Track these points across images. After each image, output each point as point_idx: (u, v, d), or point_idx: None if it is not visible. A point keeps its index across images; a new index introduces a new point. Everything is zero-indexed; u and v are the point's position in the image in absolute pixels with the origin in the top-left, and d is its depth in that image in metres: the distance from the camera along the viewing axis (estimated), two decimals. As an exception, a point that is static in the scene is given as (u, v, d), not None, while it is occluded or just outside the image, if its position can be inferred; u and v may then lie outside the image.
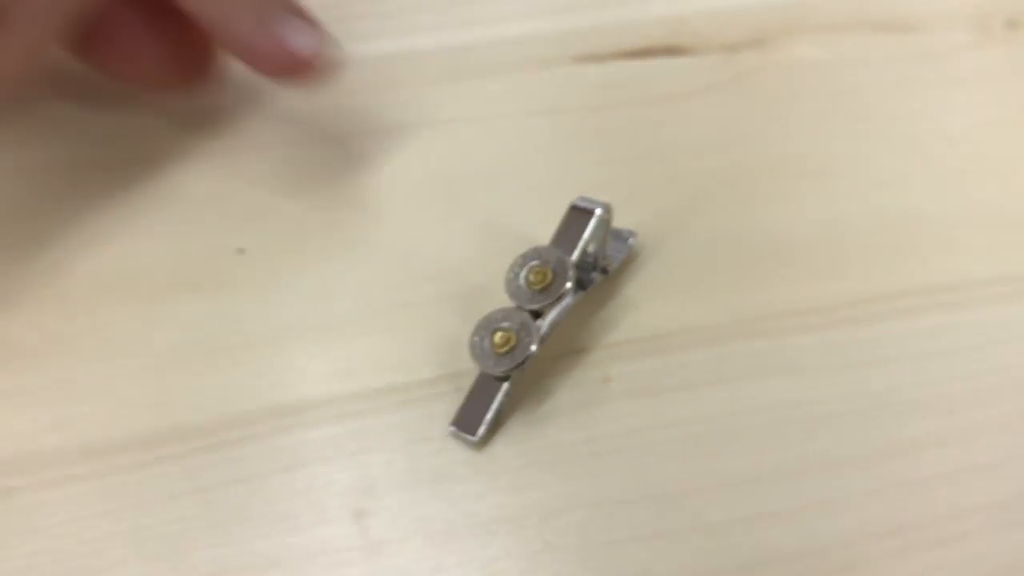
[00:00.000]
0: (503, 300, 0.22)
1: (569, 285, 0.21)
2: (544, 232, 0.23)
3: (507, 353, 0.21)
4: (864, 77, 0.29)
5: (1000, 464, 0.22)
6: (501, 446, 0.22)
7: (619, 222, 0.24)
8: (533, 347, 0.21)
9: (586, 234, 0.22)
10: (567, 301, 0.22)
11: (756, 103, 0.28)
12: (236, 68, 0.26)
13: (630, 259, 0.24)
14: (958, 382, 0.23)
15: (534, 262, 0.22)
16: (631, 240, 0.24)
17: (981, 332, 0.23)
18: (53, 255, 0.24)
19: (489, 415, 0.21)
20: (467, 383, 0.22)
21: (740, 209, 0.26)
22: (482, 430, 0.21)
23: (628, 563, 0.20)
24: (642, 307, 0.24)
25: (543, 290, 0.22)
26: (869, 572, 0.20)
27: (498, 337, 0.21)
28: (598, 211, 0.22)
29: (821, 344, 0.23)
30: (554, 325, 0.22)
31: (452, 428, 0.22)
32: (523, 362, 0.21)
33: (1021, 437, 0.22)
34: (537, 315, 0.22)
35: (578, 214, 0.22)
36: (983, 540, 0.21)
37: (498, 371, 0.21)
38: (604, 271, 0.24)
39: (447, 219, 0.25)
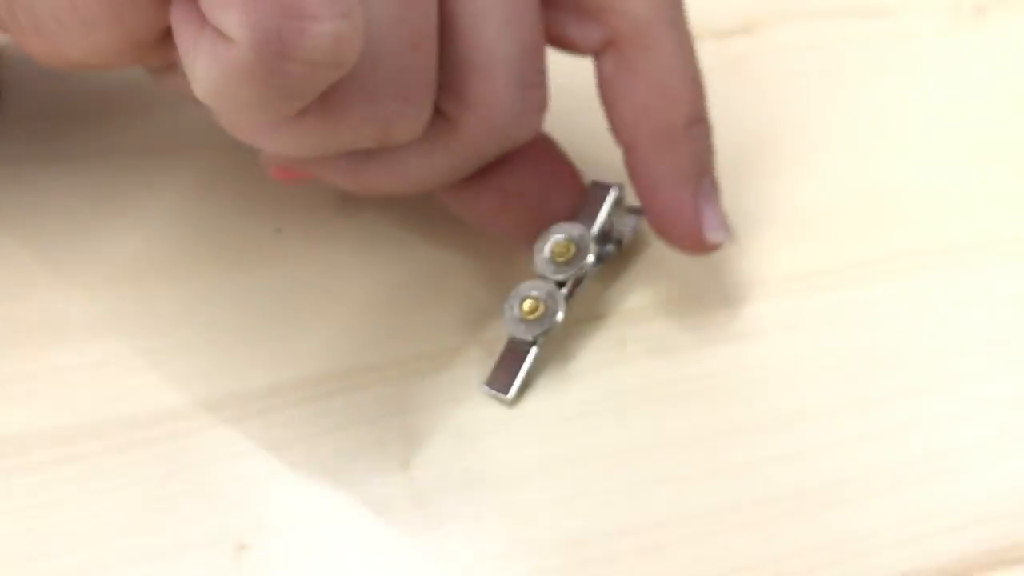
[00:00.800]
0: (530, 273, 0.24)
1: (591, 258, 0.24)
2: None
3: (536, 320, 0.23)
4: (844, 60, 0.32)
5: (982, 408, 0.24)
6: (531, 403, 0.24)
7: (627, 198, 0.26)
8: (560, 314, 0.23)
9: (604, 211, 0.24)
10: (588, 271, 0.24)
11: (747, 86, 0.31)
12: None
13: (640, 232, 0.27)
14: (942, 335, 0.25)
15: (558, 236, 0.24)
16: (640, 215, 0.26)
17: (961, 290, 0.26)
18: (104, 239, 0.26)
19: (521, 375, 0.24)
20: (496, 349, 0.24)
21: (737, 184, 0.28)
22: (515, 389, 0.23)
23: (651, 503, 0.22)
24: (652, 276, 0.26)
25: (567, 263, 0.24)
26: (866, 506, 0.23)
27: (527, 305, 0.24)
28: (613, 190, 0.24)
29: (817, 304, 0.26)
30: (576, 293, 0.24)
31: (487, 388, 0.24)
32: (551, 327, 0.23)
33: (999, 384, 0.25)
34: (561, 284, 0.24)
35: (596, 193, 0.24)
36: (967, 476, 0.23)
37: (528, 336, 0.23)
38: (618, 243, 0.26)
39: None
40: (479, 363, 0.24)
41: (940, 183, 0.28)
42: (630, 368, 0.24)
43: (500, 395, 0.24)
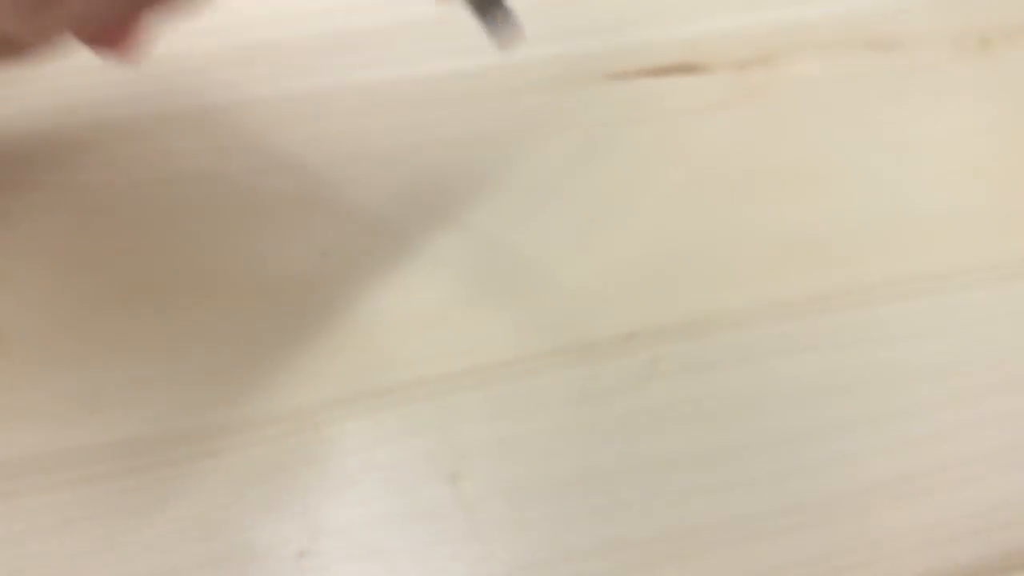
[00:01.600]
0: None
1: None
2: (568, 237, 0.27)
3: None
4: (857, 89, 0.33)
5: (985, 422, 0.26)
6: (571, 417, 0.25)
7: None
8: None
9: None
10: None
11: (764, 115, 0.32)
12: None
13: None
14: (948, 354, 0.27)
15: None
16: None
17: (966, 311, 0.28)
18: (158, 261, 0.28)
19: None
20: (534, 367, 0.26)
21: (754, 208, 0.30)
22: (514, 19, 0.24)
23: (685, 512, 0.24)
24: (679, 296, 0.27)
25: None
26: (886, 514, 0.24)
27: None
28: None
29: (831, 324, 0.27)
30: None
31: (498, 39, 0.24)
32: None
33: (1001, 399, 0.26)
34: None
35: None
36: (972, 486, 0.25)
37: None
38: None
39: (504, 222, 0.29)
40: (524, 378, 0.26)
41: (947, 208, 0.30)
42: (663, 385, 0.26)
43: (513, 31, 0.24)
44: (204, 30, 0.29)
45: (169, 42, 0.28)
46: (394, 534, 0.23)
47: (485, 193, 0.30)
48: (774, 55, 0.34)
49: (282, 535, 0.23)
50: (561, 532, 0.24)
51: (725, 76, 0.33)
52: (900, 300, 0.28)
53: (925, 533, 0.24)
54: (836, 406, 0.26)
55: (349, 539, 0.23)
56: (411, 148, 0.30)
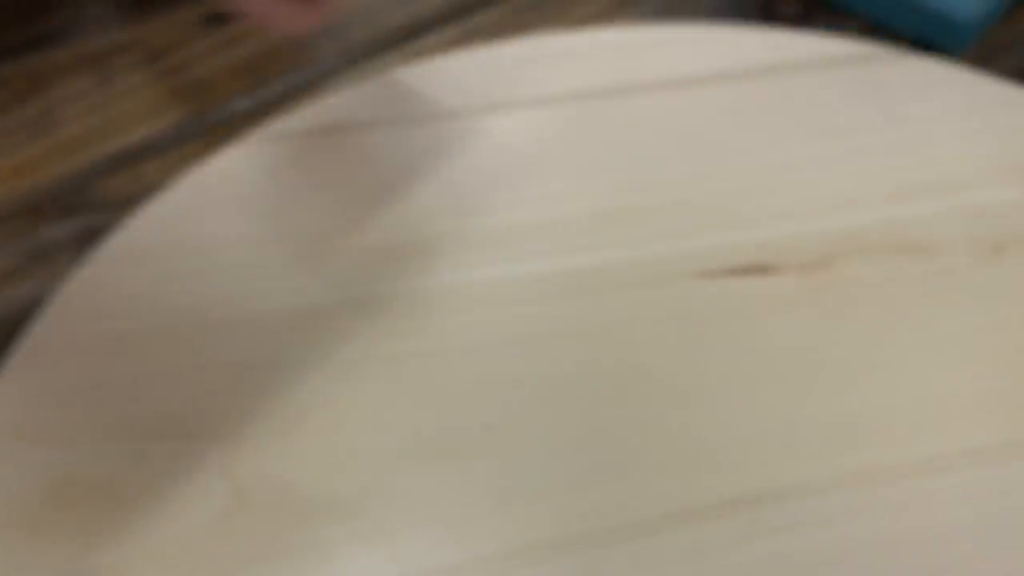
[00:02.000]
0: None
1: None
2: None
3: None
4: (895, 290, 0.41)
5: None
6: (681, 572, 0.32)
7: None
8: None
9: None
10: None
11: (824, 314, 0.40)
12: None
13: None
14: (985, 517, 0.34)
15: None
16: None
17: (995, 482, 0.35)
18: (360, 436, 0.35)
19: None
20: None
21: (824, 394, 0.37)
22: None
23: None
24: (769, 467, 0.35)
25: None
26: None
27: None
28: None
29: (889, 493, 0.35)
30: None
31: None
32: None
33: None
34: None
35: None
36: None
37: None
38: None
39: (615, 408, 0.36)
40: (646, 538, 0.33)
41: (974, 393, 0.38)
42: (760, 543, 0.33)
43: None
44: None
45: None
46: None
47: (589, 377, 0.37)
48: (830, 258, 0.42)
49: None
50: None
51: (791, 277, 0.41)
52: (945, 472, 0.35)
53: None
54: (900, 562, 0.33)
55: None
56: (510, 342, 0.38)
